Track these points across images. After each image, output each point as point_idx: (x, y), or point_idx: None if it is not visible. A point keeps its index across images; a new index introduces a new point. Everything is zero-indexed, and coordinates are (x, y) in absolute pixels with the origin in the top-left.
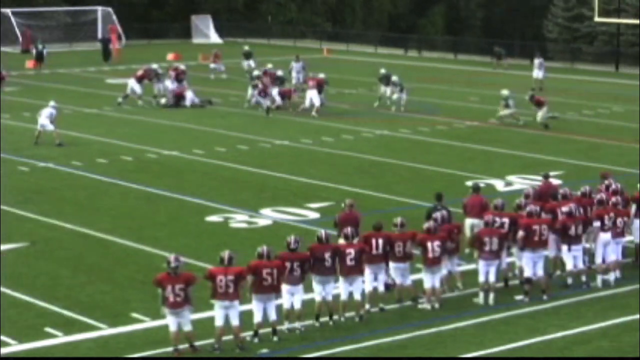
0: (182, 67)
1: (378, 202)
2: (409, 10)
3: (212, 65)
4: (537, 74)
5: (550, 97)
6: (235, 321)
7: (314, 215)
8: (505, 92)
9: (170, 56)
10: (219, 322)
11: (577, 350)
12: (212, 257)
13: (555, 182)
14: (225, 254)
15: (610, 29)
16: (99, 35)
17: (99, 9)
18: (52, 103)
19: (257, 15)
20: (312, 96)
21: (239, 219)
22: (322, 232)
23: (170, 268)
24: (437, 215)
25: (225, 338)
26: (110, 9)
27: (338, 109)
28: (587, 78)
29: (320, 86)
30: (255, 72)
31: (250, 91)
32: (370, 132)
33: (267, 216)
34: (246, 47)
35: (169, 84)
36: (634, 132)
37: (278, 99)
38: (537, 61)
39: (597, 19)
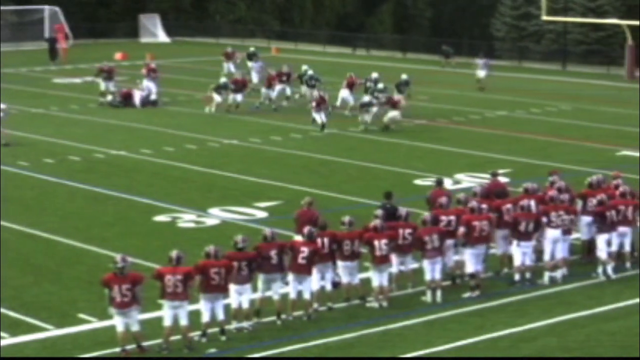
0: (152, 64)
1: (327, 201)
2: (357, 9)
3: (249, 64)
4: (480, 73)
5: (498, 95)
6: (184, 321)
7: (263, 214)
8: (374, 74)
9: (117, 55)
10: (167, 322)
11: (524, 348)
12: (160, 257)
13: (503, 180)
14: (174, 253)
15: (557, 28)
16: (46, 34)
17: (46, 8)
18: (1, 106)
19: (206, 14)
20: (344, 95)
21: (187, 219)
22: (268, 230)
23: (116, 268)
24: (401, 212)
25: (173, 338)
26: (57, 8)
27: (286, 108)
28: (534, 76)
29: (351, 86)
30: (223, 80)
31: (215, 96)
32: (319, 130)
33: (216, 216)
34: (252, 48)
35: (147, 82)
36: (581, 130)
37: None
38: (480, 61)
39: (544, 17)
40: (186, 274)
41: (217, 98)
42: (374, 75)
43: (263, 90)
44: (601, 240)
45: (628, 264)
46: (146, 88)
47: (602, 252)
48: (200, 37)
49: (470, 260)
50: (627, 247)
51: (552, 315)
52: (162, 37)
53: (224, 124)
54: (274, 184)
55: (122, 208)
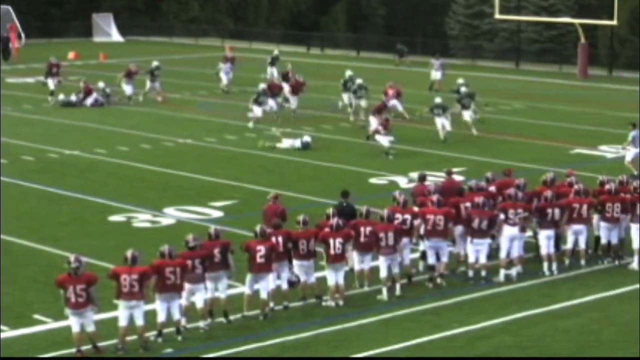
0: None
1: (282, 200)
2: (311, 8)
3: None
4: (436, 75)
5: (452, 93)
6: (140, 321)
7: (218, 213)
8: (460, 80)
9: (71, 55)
10: (123, 322)
11: (479, 346)
12: (115, 257)
13: (458, 178)
14: (129, 253)
15: (510, 26)
16: None
17: None
18: None
19: (159, 13)
20: (395, 104)
21: (142, 218)
22: (212, 228)
23: (71, 268)
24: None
25: (128, 338)
26: (9, 7)
27: (241, 107)
28: (488, 75)
29: (399, 94)
30: (262, 86)
31: (255, 109)
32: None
33: (171, 215)
34: (275, 52)
35: (125, 86)
36: (535, 129)
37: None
38: (436, 62)
39: (497, 16)
40: (142, 273)
41: (257, 111)
42: (460, 81)
43: (291, 98)
44: (542, 237)
45: (583, 262)
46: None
47: (543, 248)
48: (154, 37)
49: (427, 253)
50: (582, 245)
51: (507, 313)
52: (116, 36)
53: (179, 123)
54: (229, 184)
55: (77, 208)
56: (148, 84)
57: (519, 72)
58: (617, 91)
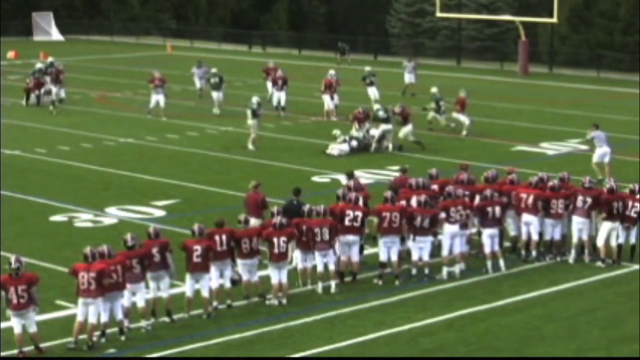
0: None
1: (224, 199)
2: (252, 6)
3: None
4: (410, 78)
5: (393, 92)
6: (92, 319)
7: (160, 212)
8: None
9: (10, 54)
10: (80, 317)
11: (423, 342)
12: (56, 257)
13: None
14: (88, 250)
15: (451, 24)
16: None
17: None
18: None
19: (98, 12)
20: (460, 117)
21: (84, 218)
22: (151, 227)
23: (11, 269)
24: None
25: (69, 339)
26: None
27: (183, 106)
28: (430, 73)
29: (462, 105)
30: (398, 109)
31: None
32: (215, 128)
33: (113, 215)
34: (367, 68)
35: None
36: (476, 126)
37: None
38: (410, 64)
39: (438, 14)
40: (99, 271)
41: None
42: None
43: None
44: (485, 236)
45: (534, 253)
46: (153, 99)
47: (486, 247)
48: (94, 35)
49: (380, 249)
50: (534, 236)
51: (451, 310)
52: (56, 35)
53: (120, 122)
54: (171, 182)
55: (17, 208)
56: (214, 94)
57: (460, 69)
58: (558, 88)
